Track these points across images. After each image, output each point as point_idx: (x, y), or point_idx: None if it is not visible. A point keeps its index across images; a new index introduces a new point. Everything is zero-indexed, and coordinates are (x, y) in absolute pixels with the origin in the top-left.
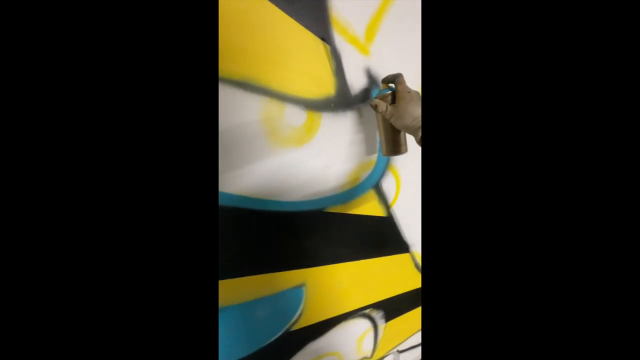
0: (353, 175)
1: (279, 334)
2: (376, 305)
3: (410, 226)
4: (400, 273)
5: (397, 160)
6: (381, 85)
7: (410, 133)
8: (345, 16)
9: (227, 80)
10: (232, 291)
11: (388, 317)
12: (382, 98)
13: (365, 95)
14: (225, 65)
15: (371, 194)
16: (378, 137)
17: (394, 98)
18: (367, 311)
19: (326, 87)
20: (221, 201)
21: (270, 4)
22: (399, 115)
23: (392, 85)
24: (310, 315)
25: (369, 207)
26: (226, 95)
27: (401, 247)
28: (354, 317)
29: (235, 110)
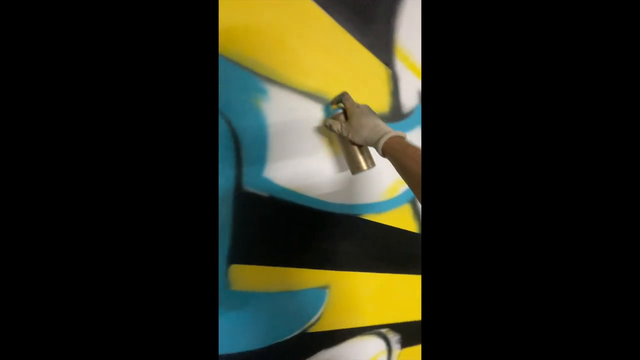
0: (392, 186)
1: (296, 332)
2: (394, 327)
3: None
4: None
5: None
6: (331, 107)
7: (370, 145)
8: (408, 46)
9: (301, 91)
10: (259, 278)
11: (404, 342)
12: (335, 118)
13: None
14: (301, 79)
15: (406, 208)
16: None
17: (346, 116)
18: (384, 330)
19: (382, 105)
20: (264, 189)
21: (346, 32)
22: (355, 130)
23: (341, 104)
24: (329, 320)
25: (402, 220)
26: (299, 104)
27: None
28: (369, 334)
29: (302, 116)
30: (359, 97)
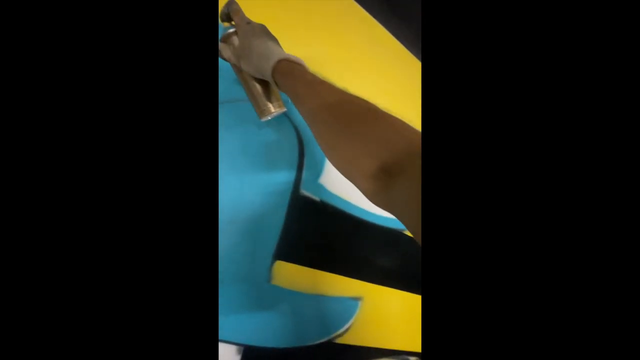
0: None
1: (322, 340)
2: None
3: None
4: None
5: None
6: (223, 24)
7: (264, 77)
8: None
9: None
10: (296, 277)
11: None
12: (226, 40)
13: None
14: (331, 77)
15: None
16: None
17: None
18: (412, 358)
19: (413, 106)
20: (317, 194)
21: (374, 21)
22: (245, 56)
23: (232, 22)
24: (357, 334)
25: None
26: None
27: None
28: (396, 358)
29: None
30: (386, 96)
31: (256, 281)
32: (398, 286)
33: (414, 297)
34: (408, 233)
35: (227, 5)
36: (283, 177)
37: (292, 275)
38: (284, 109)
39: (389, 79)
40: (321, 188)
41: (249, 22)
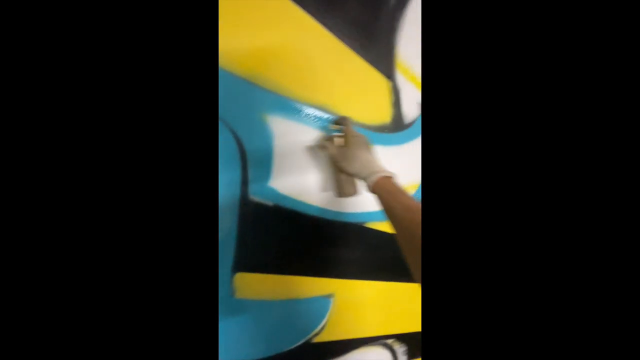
0: None
1: (299, 343)
2: (401, 337)
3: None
4: None
5: None
6: (331, 126)
7: (360, 178)
8: (409, 60)
9: (306, 104)
10: (264, 286)
11: (411, 354)
12: (330, 140)
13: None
14: (306, 93)
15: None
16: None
17: (343, 141)
18: (389, 341)
19: (383, 116)
20: (269, 198)
21: (349, 50)
22: (348, 160)
23: (341, 127)
24: (334, 330)
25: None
26: (304, 115)
27: None
28: (375, 344)
29: (307, 128)
30: (362, 108)
31: (219, 298)
32: (367, 277)
33: (384, 284)
34: (368, 225)
35: (343, 118)
36: (227, 186)
37: (256, 285)
38: (357, 194)
39: (361, 97)
40: (272, 191)
41: (356, 135)
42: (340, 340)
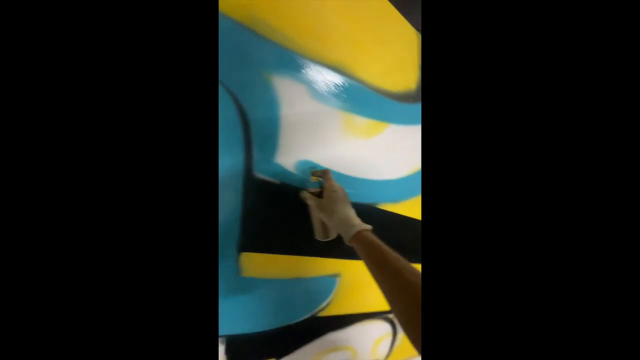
0: (408, 176)
1: (306, 316)
2: None
3: None
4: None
5: None
6: (311, 177)
7: (338, 232)
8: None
9: (317, 62)
10: (270, 266)
11: None
12: (311, 192)
13: None
14: (317, 46)
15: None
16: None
17: (321, 194)
18: (390, 315)
19: (409, 81)
20: (275, 175)
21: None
22: (326, 214)
23: (320, 179)
24: (339, 306)
25: (417, 210)
26: (313, 78)
27: None
28: (377, 318)
29: (319, 94)
30: (383, 69)
31: (224, 276)
32: None
33: None
34: (379, 206)
35: (324, 172)
36: (229, 161)
37: (262, 264)
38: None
39: (386, 54)
40: (278, 168)
41: (335, 190)
42: (344, 315)
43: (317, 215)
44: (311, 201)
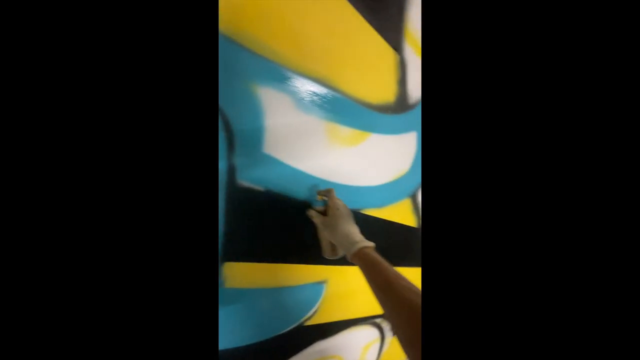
0: (393, 181)
1: (292, 326)
2: None
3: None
4: (418, 287)
5: None
6: (317, 196)
7: (342, 249)
8: (419, 30)
9: (302, 75)
10: (255, 275)
11: None
12: (318, 210)
13: None
14: (301, 60)
15: (407, 203)
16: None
17: (326, 211)
18: (378, 320)
19: (387, 94)
20: (259, 182)
21: (352, 9)
22: (330, 231)
23: (325, 198)
24: (325, 314)
25: (402, 215)
26: (298, 90)
27: None
28: (364, 324)
29: (304, 105)
30: (364, 82)
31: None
32: None
33: None
34: (364, 211)
35: (328, 190)
36: None
37: (246, 274)
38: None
39: (365, 69)
40: (263, 175)
41: (338, 208)
42: (332, 322)
43: (323, 234)
44: (317, 219)
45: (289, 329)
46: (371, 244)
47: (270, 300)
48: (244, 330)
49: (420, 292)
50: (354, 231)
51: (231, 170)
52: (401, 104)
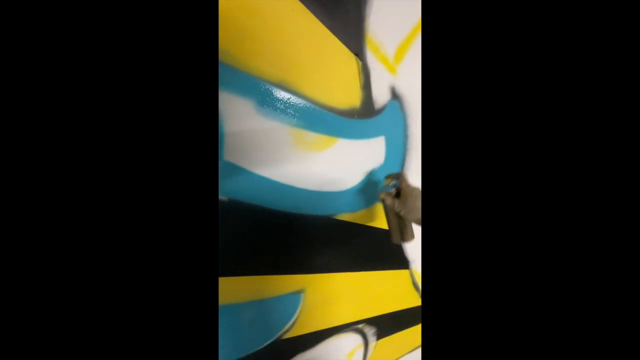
0: (365, 185)
1: (270, 340)
2: (369, 321)
3: (413, 242)
4: (396, 289)
5: (409, 176)
6: (385, 181)
7: (418, 224)
8: (379, 36)
9: (263, 80)
10: (229, 290)
11: (380, 334)
12: (388, 193)
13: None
14: (262, 66)
15: (379, 206)
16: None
17: (398, 193)
18: (360, 326)
19: (352, 99)
20: (231, 194)
21: (311, 15)
22: (410, 211)
23: (396, 182)
24: (305, 324)
25: (374, 218)
26: (260, 95)
27: (401, 262)
28: (346, 331)
29: (266, 110)
30: (329, 88)
31: None
32: (336, 269)
33: (351, 274)
34: (338, 217)
35: (399, 174)
36: None
37: (223, 289)
38: (415, 238)
39: (328, 75)
40: (225, 183)
41: (413, 189)
42: (312, 333)
43: (394, 219)
44: (390, 201)
45: (268, 342)
46: None
47: (246, 316)
48: (222, 348)
49: None
50: None
51: None
52: (367, 109)
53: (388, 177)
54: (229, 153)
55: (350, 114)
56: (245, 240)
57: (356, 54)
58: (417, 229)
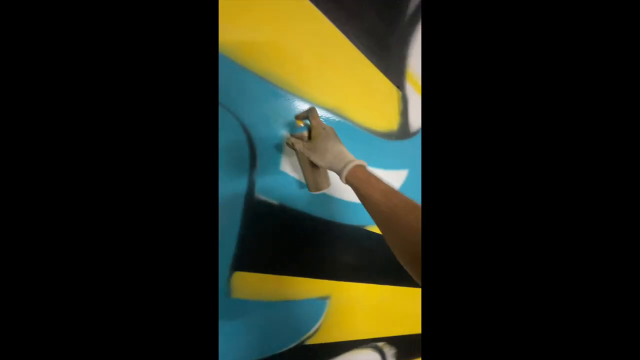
0: None
1: (293, 344)
2: (391, 340)
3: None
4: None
5: None
6: (296, 123)
7: (333, 170)
8: (418, 73)
9: (318, 106)
10: (261, 286)
11: (400, 356)
12: (298, 137)
13: None
14: (318, 95)
15: None
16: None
17: (310, 134)
18: (380, 344)
19: (391, 123)
20: (275, 197)
21: (364, 57)
22: (319, 153)
23: (307, 121)
24: (327, 332)
25: None
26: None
27: None
28: (366, 347)
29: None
30: (371, 114)
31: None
32: (363, 279)
33: (379, 288)
34: (369, 228)
35: (309, 110)
36: (235, 182)
37: (253, 285)
38: (330, 185)
39: (372, 103)
40: (278, 191)
41: (324, 127)
42: (332, 343)
43: (307, 165)
44: (299, 145)
45: (291, 346)
46: (363, 162)
47: (273, 315)
48: (246, 346)
49: (418, 208)
50: (345, 150)
51: (251, 184)
52: (403, 131)
53: (298, 116)
54: (284, 166)
55: (389, 136)
56: (284, 240)
57: (397, 86)
58: (332, 175)
